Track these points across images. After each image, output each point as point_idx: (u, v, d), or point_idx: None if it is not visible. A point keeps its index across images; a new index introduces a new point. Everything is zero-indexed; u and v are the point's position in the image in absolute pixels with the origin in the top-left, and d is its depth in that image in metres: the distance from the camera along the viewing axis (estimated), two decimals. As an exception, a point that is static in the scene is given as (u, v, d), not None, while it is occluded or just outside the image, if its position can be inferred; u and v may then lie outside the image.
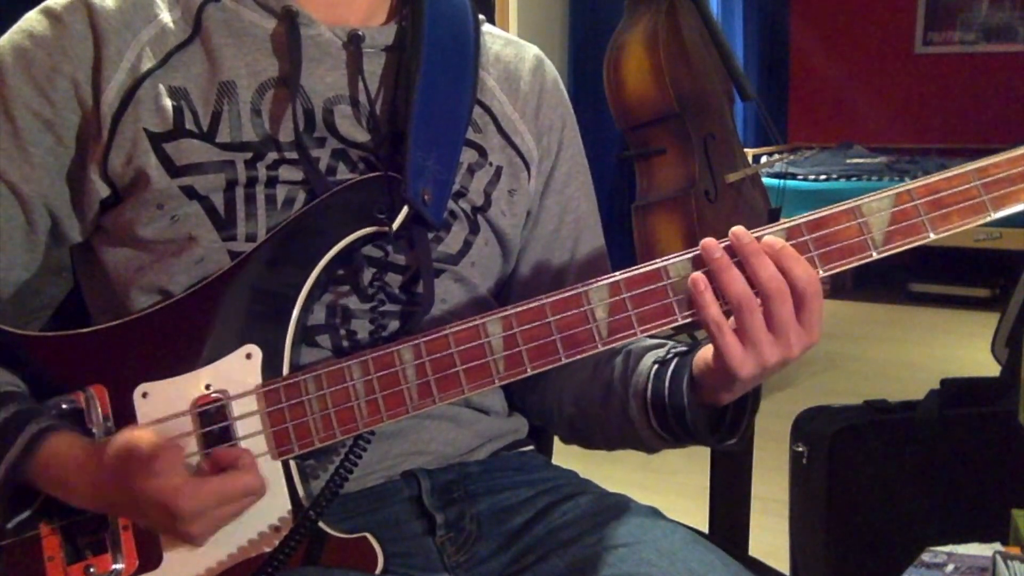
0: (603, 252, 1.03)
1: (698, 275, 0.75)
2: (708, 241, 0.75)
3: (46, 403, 0.79)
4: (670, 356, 0.85)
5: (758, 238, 0.75)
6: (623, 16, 3.02)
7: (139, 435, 0.72)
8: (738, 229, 0.75)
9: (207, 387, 0.79)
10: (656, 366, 0.85)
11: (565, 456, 1.10)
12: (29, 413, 0.77)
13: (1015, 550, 1.05)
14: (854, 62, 5.88)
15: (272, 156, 0.84)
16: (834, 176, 4.90)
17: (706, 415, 0.83)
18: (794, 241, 0.75)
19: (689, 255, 0.76)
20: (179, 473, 0.73)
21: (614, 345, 0.78)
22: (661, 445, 0.88)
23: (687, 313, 0.77)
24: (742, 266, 0.74)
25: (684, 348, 0.85)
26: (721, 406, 0.82)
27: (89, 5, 0.83)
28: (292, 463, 0.80)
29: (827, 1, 5.96)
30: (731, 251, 0.75)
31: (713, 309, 0.74)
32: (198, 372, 0.79)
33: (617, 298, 0.77)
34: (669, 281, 0.77)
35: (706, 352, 0.79)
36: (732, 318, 0.75)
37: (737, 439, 0.84)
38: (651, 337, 0.93)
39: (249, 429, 0.79)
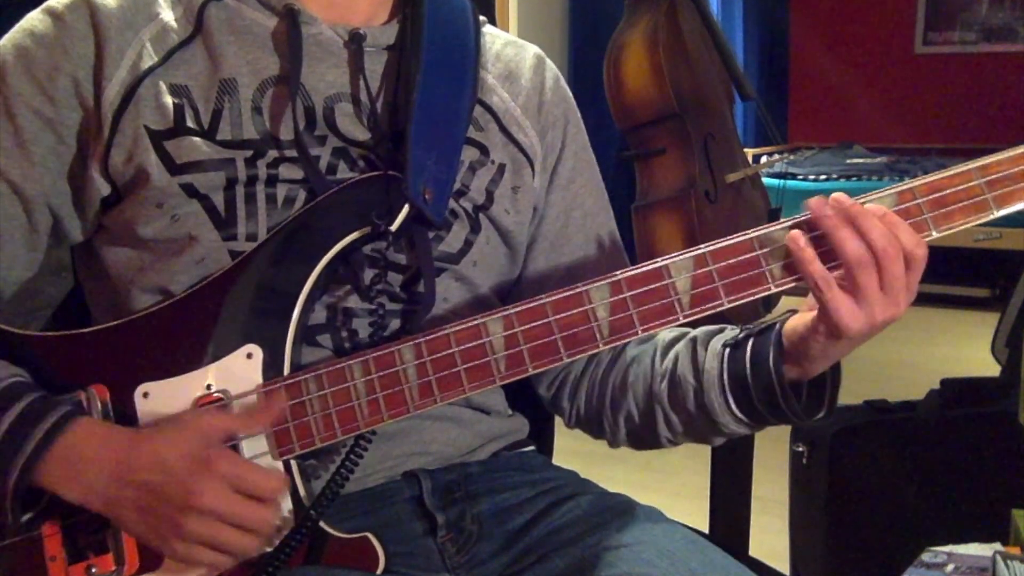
0: (618, 246, 1.03)
1: (796, 232, 0.75)
2: (815, 200, 0.75)
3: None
4: (742, 337, 0.85)
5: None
6: (623, 16, 3.02)
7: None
8: (839, 195, 0.75)
9: (208, 387, 0.79)
10: (727, 349, 0.85)
11: (565, 456, 1.10)
12: (48, 402, 0.77)
13: (1015, 550, 1.05)
14: (854, 62, 5.89)
15: (272, 154, 0.84)
16: (834, 176, 4.90)
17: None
18: None
19: (691, 254, 0.76)
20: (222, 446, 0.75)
21: (615, 344, 0.77)
22: (738, 429, 0.88)
23: (688, 312, 0.77)
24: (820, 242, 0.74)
25: (754, 328, 0.85)
26: (798, 383, 0.82)
27: (91, 4, 0.83)
28: (293, 463, 0.80)
29: (827, 1, 5.96)
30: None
31: (818, 265, 0.74)
32: (199, 372, 0.79)
33: (618, 297, 0.77)
34: (670, 280, 0.76)
35: (802, 319, 0.80)
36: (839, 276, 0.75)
37: (825, 412, 0.84)
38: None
39: (250, 429, 0.79)
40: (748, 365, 0.83)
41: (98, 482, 0.74)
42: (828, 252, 0.75)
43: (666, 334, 0.93)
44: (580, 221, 1.00)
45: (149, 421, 0.78)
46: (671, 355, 0.91)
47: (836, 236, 0.74)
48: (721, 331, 0.88)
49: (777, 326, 0.82)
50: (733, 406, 0.85)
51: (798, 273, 0.76)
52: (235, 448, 0.78)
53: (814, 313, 0.77)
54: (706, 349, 0.87)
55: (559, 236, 0.99)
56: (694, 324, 0.78)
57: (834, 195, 0.75)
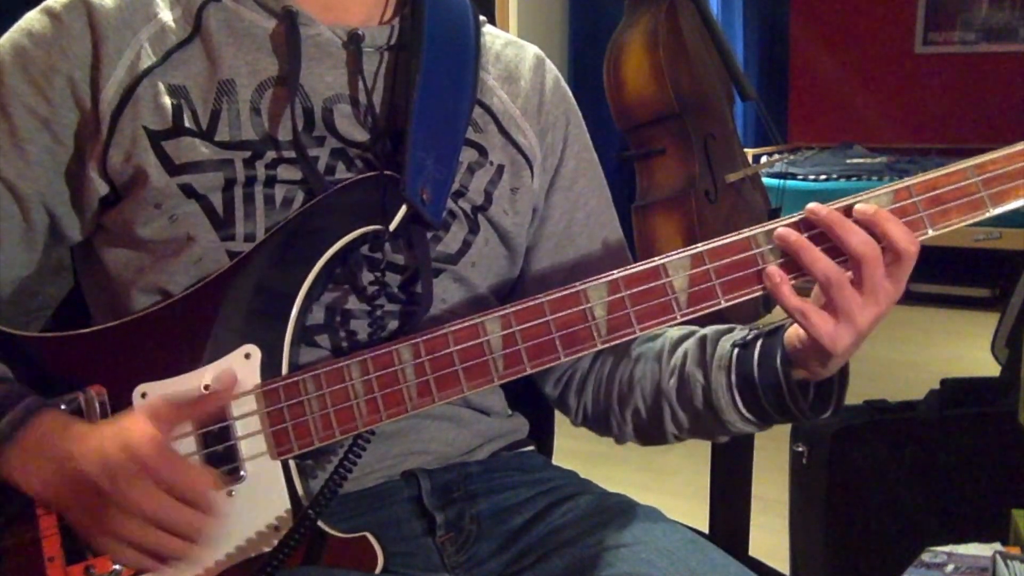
0: (622, 246, 1.03)
1: (773, 269, 0.75)
2: (784, 229, 0.75)
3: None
4: (751, 338, 0.86)
5: (848, 208, 0.75)
6: (623, 16, 3.02)
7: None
8: (813, 205, 0.75)
9: (206, 387, 0.79)
10: (736, 350, 0.86)
11: (565, 456, 1.10)
12: (15, 395, 0.76)
13: (1015, 550, 1.05)
14: (854, 62, 5.89)
15: (271, 155, 0.84)
16: (834, 176, 4.90)
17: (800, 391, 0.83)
18: None
19: (688, 253, 0.76)
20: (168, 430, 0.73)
21: (613, 343, 0.78)
22: (744, 428, 0.88)
23: (686, 311, 0.77)
24: (823, 239, 0.74)
25: (765, 329, 0.86)
26: (805, 383, 0.83)
27: (88, 4, 0.83)
28: (291, 462, 0.80)
29: (827, 1, 5.96)
30: (807, 225, 0.75)
31: (795, 299, 0.75)
32: (197, 372, 0.79)
33: (616, 296, 0.77)
34: (667, 279, 0.77)
35: (796, 332, 0.80)
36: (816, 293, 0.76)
37: (831, 411, 0.84)
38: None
39: (248, 429, 0.79)
40: (756, 366, 0.83)
41: (48, 474, 0.73)
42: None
43: (674, 332, 0.94)
44: (584, 221, 1.00)
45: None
46: (679, 353, 0.91)
47: (804, 260, 0.74)
48: (730, 331, 0.89)
49: (784, 329, 0.83)
50: (740, 405, 0.85)
51: (795, 271, 0.76)
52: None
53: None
54: (715, 348, 0.88)
55: (563, 237, 0.99)
56: (692, 323, 0.78)
57: (809, 206, 0.75)
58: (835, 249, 0.75)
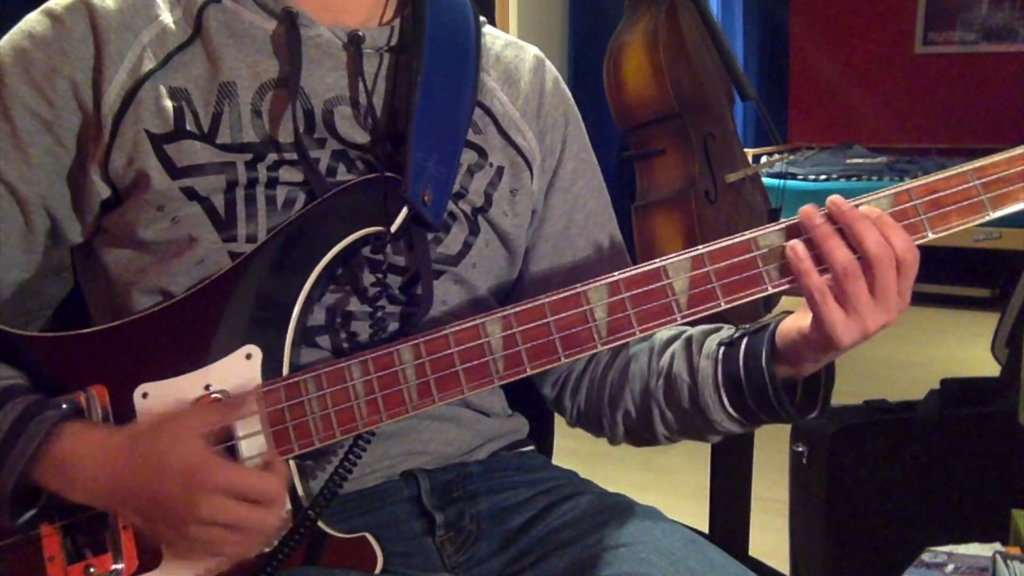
0: (620, 247, 1.03)
1: (796, 242, 0.75)
2: (808, 208, 0.75)
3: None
4: (737, 336, 0.85)
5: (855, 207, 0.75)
6: (623, 16, 3.02)
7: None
8: (836, 198, 0.75)
9: (207, 387, 0.79)
10: (722, 349, 0.86)
11: (565, 456, 1.10)
12: (44, 404, 0.77)
13: (1015, 550, 1.05)
14: (854, 62, 5.89)
15: (272, 157, 0.84)
16: (834, 176, 4.90)
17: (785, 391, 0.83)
18: None
19: (689, 255, 0.77)
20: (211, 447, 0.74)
21: (613, 345, 0.78)
22: (731, 428, 0.88)
23: (686, 312, 0.77)
24: (842, 234, 0.74)
25: (749, 328, 0.85)
26: (792, 382, 0.83)
27: (90, 6, 0.83)
28: (292, 463, 0.80)
29: (827, 1, 5.96)
30: (828, 219, 0.75)
31: (815, 276, 0.74)
32: (198, 372, 0.79)
33: (616, 298, 0.77)
34: (668, 281, 0.77)
35: (795, 324, 0.80)
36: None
37: (818, 411, 0.84)
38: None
39: (249, 429, 0.79)
40: (742, 365, 0.83)
41: (96, 488, 0.74)
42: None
43: (663, 333, 0.93)
44: (582, 223, 1.00)
45: (143, 421, 0.78)
46: (667, 354, 0.91)
47: (825, 246, 0.74)
48: (717, 330, 0.89)
49: (771, 326, 0.83)
50: (727, 404, 0.85)
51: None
52: (233, 448, 0.78)
53: (808, 320, 0.77)
54: (701, 348, 0.88)
55: (561, 238, 0.99)
56: (693, 324, 0.78)
57: (831, 198, 0.75)
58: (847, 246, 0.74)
